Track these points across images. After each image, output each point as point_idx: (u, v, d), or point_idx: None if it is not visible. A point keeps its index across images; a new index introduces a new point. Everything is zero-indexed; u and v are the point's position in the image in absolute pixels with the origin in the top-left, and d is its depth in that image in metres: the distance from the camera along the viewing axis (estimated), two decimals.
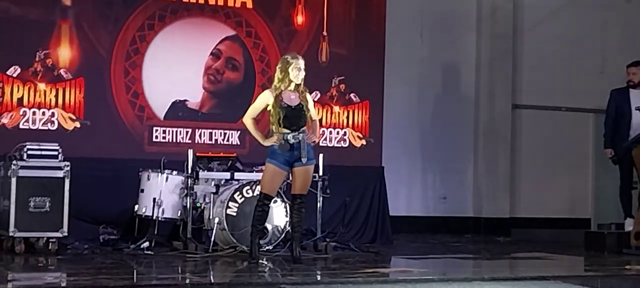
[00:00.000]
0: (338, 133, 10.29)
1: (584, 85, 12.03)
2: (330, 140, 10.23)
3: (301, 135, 7.17)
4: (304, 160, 7.14)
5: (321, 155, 8.48)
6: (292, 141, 7.12)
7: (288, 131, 7.14)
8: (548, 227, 11.83)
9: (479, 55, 11.89)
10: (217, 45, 9.85)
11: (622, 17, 12.40)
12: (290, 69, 7.25)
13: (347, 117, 10.36)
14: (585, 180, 12.31)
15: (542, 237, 11.27)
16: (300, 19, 10.24)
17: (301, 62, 7.31)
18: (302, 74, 7.31)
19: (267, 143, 7.22)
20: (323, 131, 10.16)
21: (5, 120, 8.86)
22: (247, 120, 7.35)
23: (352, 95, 10.36)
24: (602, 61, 11.99)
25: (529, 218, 12.00)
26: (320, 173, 8.44)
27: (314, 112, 7.46)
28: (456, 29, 11.88)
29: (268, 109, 7.29)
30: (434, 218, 11.58)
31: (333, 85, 10.30)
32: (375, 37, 10.58)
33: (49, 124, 9.00)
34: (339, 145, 10.24)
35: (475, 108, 11.87)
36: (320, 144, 10.05)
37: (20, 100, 8.91)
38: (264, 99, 7.31)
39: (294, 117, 7.19)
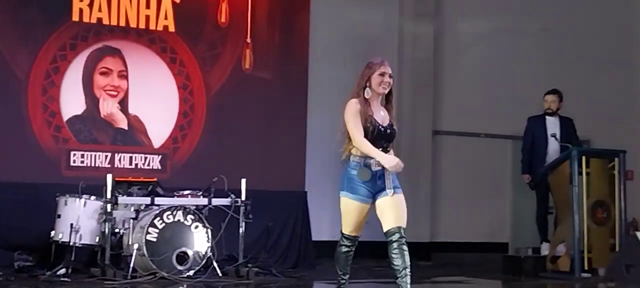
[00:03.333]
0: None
1: (503, 112, 12.25)
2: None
3: None
4: (389, 191, 5.75)
5: (244, 180, 8.43)
6: (376, 168, 5.75)
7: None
8: (468, 251, 11.98)
9: (401, 81, 11.99)
10: (140, 68, 9.76)
11: (541, 45, 12.69)
12: (373, 77, 5.83)
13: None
14: (503, 205, 12.52)
15: (462, 260, 11.40)
16: (223, 44, 10.21)
17: (388, 68, 5.90)
18: (390, 81, 5.87)
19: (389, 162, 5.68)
20: None
21: None
22: (363, 139, 5.73)
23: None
24: (521, 88, 12.23)
25: (449, 243, 12.13)
26: (243, 198, 8.40)
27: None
28: (379, 54, 11.95)
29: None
30: (359, 242, 11.59)
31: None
32: (299, 62, 10.61)
33: None
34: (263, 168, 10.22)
35: (398, 133, 11.94)
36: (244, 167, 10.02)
37: None
38: (356, 109, 5.79)
39: (382, 139, 5.79)
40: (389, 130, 5.80)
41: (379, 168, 5.74)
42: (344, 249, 6.14)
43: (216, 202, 8.25)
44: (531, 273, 9.43)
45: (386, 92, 5.87)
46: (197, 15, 10.08)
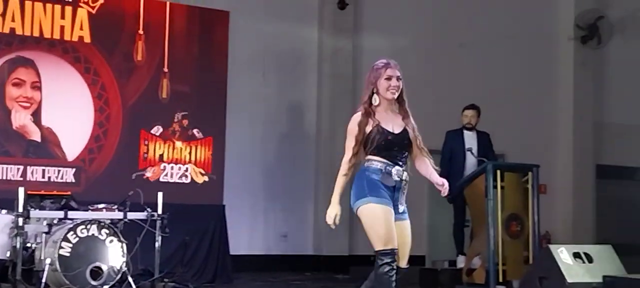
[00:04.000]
0: (180, 169, 10.16)
1: (420, 127, 12.33)
2: (172, 176, 10.08)
3: (405, 173, 5.32)
4: (401, 207, 5.29)
5: (160, 194, 8.32)
6: (396, 179, 5.22)
7: (390, 163, 5.22)
8: None
9: (320, 95, 12.05)
10: (54, 79, 9.57)
11: (457, 61, 12.88)
12: (380, 82, 5.33)
13: (190, 153, 10.25)
14: (420, 217, 12.63)
15: None
16: (140, 55, 10.08)
17: (395, 71, 5.39)
18: (397, 85, 5.37)
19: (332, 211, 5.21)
20: (164, 166, 10.01)
21: None
22: (346, 164, 5.28)
23: (195, 131, 10.27)
24: (438, 103, 12.39)
25: (367, 256, 12.14)
26: (160, 211, 8.29)
27: (422, 145, 5.47)
28: (298, 69, 12.01)
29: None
30: (275, 256, 11.58)
31: (176, 120, 10.18)
32: (218, 74, 10.56)
33: None
34: (181, 181, 10.10)
35: (316, 147, 12.00)
36: (161, 180, 9.89)
37: None
38: (353, 126, 5.29)
39: (397, 147, 5.26)
40: (403, 138, 5.25)
41: (398, 179, 5.21)
42: (386, 269, 5.12)
43: (132, 215, 8.13)
44: (447, 285, 9.52)
45: (395, 96, 5.33)
46: (114, 26, 9.94)
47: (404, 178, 5.28)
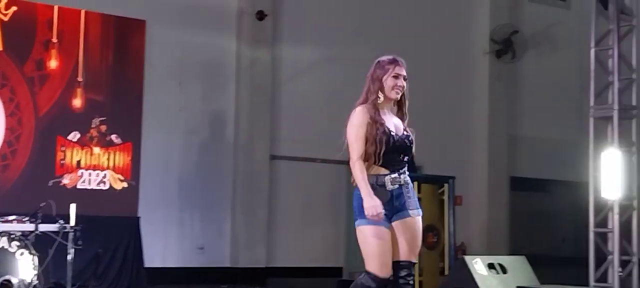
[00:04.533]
0: (98, 175, 9.96)
1: (339, 138, 12.37)
2: (90, 183, 9.87)
3: (404, 176, 4.95)
4: (411, 211, 4.91)
5: (73, 205, 8.11)
6: (392, 187, 4.88)
7: (386, 172, 4.89)
8: (303, 276, 12.01)
9: (239, 106, 11.97)
10: None
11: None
12: (386, 79, 5.09)
13: (108, 159, 10.06)
14: (338, 229, 12.64)
15: (297, 285, 11.42)
16: (54, 63, 9.85)
17: (402, 69, 5.15)
18: (403, 85, 5.13)
19: (370, 204, 4.74)
20: (82, 173, 9.81)
21: None
22: (359, 160, 4.89)
23: (113, 136, 10.10)
24: None
25: (285, 268, 12.13)
26: (72, 223, 8.08)
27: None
28: (216, 79, 11.91)
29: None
30: (191, 268, 11.42)
31: (93, 125, 9.98)
32: (134, 83, 10.42)
33: None
34: (99, 188, 9.90)
35: (234, 158, 11.90)
36: (78, 187, 9.69)
37: None
38: (363, 119, 4.97)
39: (399, 151, 4.96)
40: (405, 141, 4.96)
41: (396, 186, 4.86)
42: (367, 284, 4.84)
43: (43, 227, 7.90)
44: None
45: (399, 97, 5.09)
46: (26, 34, 9.69)
47: (402, 182, 4.89)
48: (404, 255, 4.87)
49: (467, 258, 9.04)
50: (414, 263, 4.96)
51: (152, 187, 10.78)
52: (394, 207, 4.87)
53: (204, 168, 11.64)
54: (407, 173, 4.97)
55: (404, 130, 5.06)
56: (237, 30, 12.02)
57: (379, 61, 5.13)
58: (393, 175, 4.88)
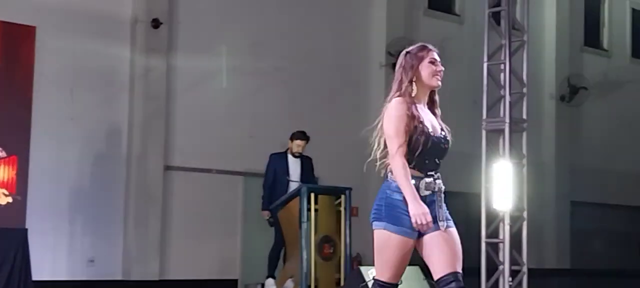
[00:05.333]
0: None
1: (235, 148, 12.30)
2: None
3: (439, 182, 4.51)
4: (441, 223, 4.44)
5: None
6: (425, 193, 4.42)
7: (420, 175, 4.44)
8: None
9: (132, 116, 11.73)
10: None
11: (273, 83, 12.90)
12: (422, 66, 4.53)
13: None
14: (234, 241, 12.52)
15: None
16: None
17: (436, 54, 4.61)
18: (443, 71, 4.62)
19: (419, 211, 4.31)
20: None
21: None
22: (402, 158, 4.38)
23: None
24: (253, 125, 12.36)
25: (178, 280, 11.93)
26: None
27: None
28: (109, 88, 11.64)
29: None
30: (81, 282, 11.11)
31: None
32: (23, 91, 10.11)
33: None
34: None
35: (127, 168, 11.65)
36: None
37: None
38: (401, 112, 4.44)
39: (435, 153, 4.49)
40: (442, 142, 4.48)
41: (429, 192, 4.39)
42: None
43: None
44: None
45: (440, 85, 4.56)
46: None
47: (436, 190, 4.42)
48: (446, 267, 4.41)
49: (362, 268, 9.07)
50: (459, 273, 4.48)
51: (42, 198, 10.45)
52: None
53: (95, 178, 11.36)
54: (440, 178, 4.49)
55: (441, 129, 4.54)
56: (131, 39, 11.78)
57: (407, 52, 4.55)
58: (427, 180, 4.41)
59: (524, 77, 11.17)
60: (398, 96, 4.48)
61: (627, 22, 17.61)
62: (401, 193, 4.34)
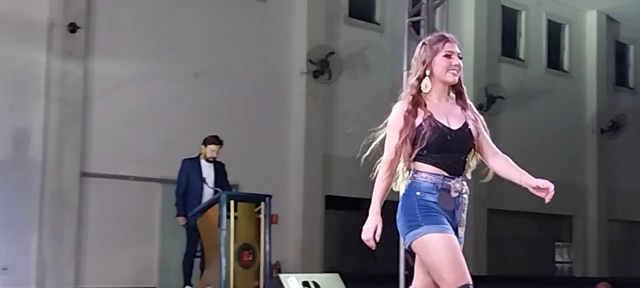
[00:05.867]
0: None
1: (153, 155, 12.14)
2: None
3: (464, 183, 4.18)
4: (461, 229, 4.16)
5: None
6: (454, 194, 4.11)
7: (446, 174, 4.10)
8: None
9: (47, 121, 11.47)
10: None
11: (192, 90, 12.78)
12: (436, 60, 4.15)
13: None
14: (151, 248, 12.35)
15: None
16: None
17: (455, 46, 4.21)
18: (459, 64, 4.21)
19: (368, 226, 4.25)
20: None
21: None
22: (386, 169, 4.21)
23: None
24: (172, 132, 12.22)
25: None
26: None
27: (491, 141, 4.30)
28: (23, 92, 11.37)
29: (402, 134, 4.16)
30: None
31: None
32: None
33: None
34: None
35: (42, 175, 11.39)
36: None
37: None
38: (396, 117, 4.19)
39: (456, 150, 4.13)
40: (464, 137, 4.09)
41: (456, 194, 4.08)
42: None
43: None
44: None
45: (456, 79, 4.17)
46: None
47: (463, 192, 4.10)
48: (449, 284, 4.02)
49: (281, 276, 9.04)
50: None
51: None
52: (454, 219, 4.10)
53: (9, 185, 11.08)
54: (465, 180, 4.14)
55: (465, 123, 4.12)
56: (47, 43, 11.52)
57: (424, 42, 4.20)
58: (455, 180, 4.07)
59: None
60: (404, 96, 4.20)
61: (543, 33, 18.02)
62: (433, 194, 4.03)
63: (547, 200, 4.16)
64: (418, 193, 4.09)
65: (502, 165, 4.21)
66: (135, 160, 12.12)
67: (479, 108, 16.64)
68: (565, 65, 18.63)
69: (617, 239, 19.32)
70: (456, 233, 4.10)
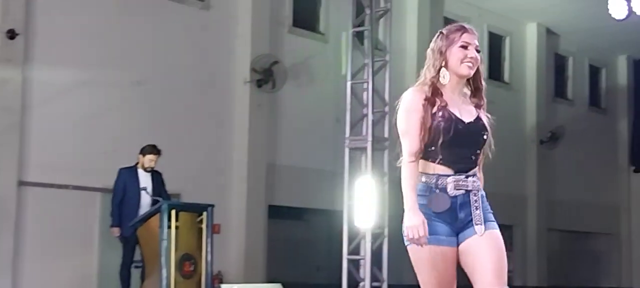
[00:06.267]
0: None
1: (92, 164, 11.96)
2: None
3: (473, 180, 3.90)
4: (478, 227, 3.83)
5: None
6: (455, 193, 3.86)
7: (449, 171, 3.87)
8: None
9: None
10: None
11: (133, 98, 12.62)
12: (451, 51, 3.93)
13: None
14: (90, 259, 12.15)
15: None
16: None
17: (473, 37, 3.97)
18: (476, 57, 3.96)
19: (411, 222, 3.78)
20: None
21: None
22: (412, 158, 3.85)
23: None
24: (112, 141, 12.05)
25: None
26: None
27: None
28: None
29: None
30: None
31: None
32: None
33: None
34: None
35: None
36: None
37: None
38: (412, 104, 3.92)
39: (467, 144, 3.90)
40: (476, 130, 3.87)
41: (460, 191, 3.81)
42: None
43: None
44: None
45: (472, 73, 3.95)
46: None
47: (470, 188, 3.83)
48: (489, 282, 3.76)
49: (224, 286, 8.99)
50: None
51: None
52: (458, 221, 3.83)
53: None
54: (477, 176, 3.89)
55: (477, 118, 3.92)
56: None
57: (441, 32, 4.02)
58: (457, 177, 3.82)
59: (386, 96, 11.37)
60: (420, 86, 3.94)
61: (485, 45, 18.23)
62: (424, 197, 3.80)
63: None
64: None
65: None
66: (74, 169, 11.92)
67: None
68: (506, 76, 18.86)
69: (555, 248, 19.61)
70: (458, 233, 3.83)
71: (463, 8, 17.18)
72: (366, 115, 11.15)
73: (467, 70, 3.93)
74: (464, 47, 3.91)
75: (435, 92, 3.88)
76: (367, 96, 11.17)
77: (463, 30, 3.95)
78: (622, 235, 20.96)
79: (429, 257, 3.82)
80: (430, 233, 3.78)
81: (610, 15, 10.93)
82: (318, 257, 14.41)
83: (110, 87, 12.37)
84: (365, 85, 11.26)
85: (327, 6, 15.16)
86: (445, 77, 3.91)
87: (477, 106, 4.00)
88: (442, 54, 3.91)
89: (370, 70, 11.16)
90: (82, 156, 11.97)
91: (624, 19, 10.84)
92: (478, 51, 3.95)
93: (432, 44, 4.02)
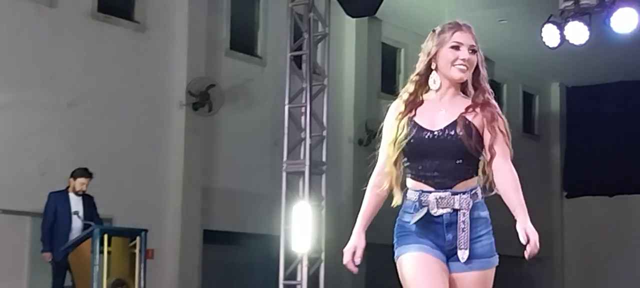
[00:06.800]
0: None
1: (23, 187, 11.66)
2: None
3: (463, 197, 3.48)
4: (462, 252, 3.44)
5: None
6: (439, 212, 3.45)
7: (429, 188, 3.49)
8: None
9: None
10: None
11: (65, 120, 12.36)
12: (441, 52, 3.50)
13: None
14: (20, 284, 11.81)
15: None
16: None
17: (468, 36, 3.52)
18: (470, 59, 3.50)
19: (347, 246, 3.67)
20: None
21: None
22: (373, 181, 3.63)
23: None
24: (43, 164, 11.77)
25: None
26: None
27: (502, 148, 3.47)
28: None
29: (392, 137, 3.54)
30: None
31: None
32: None
33: None
34: None
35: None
36: None
37: None
38: (391, 118, 3.58)
39: (437, 154, 3.45)
40: (445, 137, 3.41)
41: (446, 210, 3.40)
42: None
43: None
44: None
45: (464, 77, 3.48)
46: None
47: (457, 207, 3.41)
48: None
49: None
50: None
51: None
52: (446, 243, 3.45)
53: None
54: (471, 192, 3.45)
55: (453, 123, 3.42)
56: None
57: (433, 30, 3.56)
58: (442, 194, 3.41)
59: (324, 121, 11.35)
60: (402, 92, 3.59)
61: None
62: (410, 212, 3.48)
63: (526, 255, 3.51)
64: (402, 209, 3.59)
65: (502, 181, 3.49)
66: (4, 191, 11.59)
67: (359, 143, 16.86)
68: None
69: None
70: (449, 257, 3.47)
71: (401, 34, 17.29)
72: (304, 139, 11.11)
73: (458, 74, 3.48)
74: (456, 47, 3.49)
75: (412, 100, 3.51)
76: (305, 120, 11.13)
77: (456, 28, 3.51)
78: (555, 260, 21.23)
79: (411, 265, 3.46)
80: (414, 243, 3.49)
81: (544, 43, 11.09)
82: (254, 282, 14.24)
83: (41, 108, 12.07)
84: (303, 109, 11.22)
85: (265, 29, 15.10)
86: (435, 81, 3.51)
87: (477, 105, 3.50)
88: (429, 55, 3.51)
89: (308, 94, 11.14)
90: (11, 179, 11.65)
91: (556, 47, 11.01)
92: (474, 51, 3.53)
93: (423, 43, 3.61)
